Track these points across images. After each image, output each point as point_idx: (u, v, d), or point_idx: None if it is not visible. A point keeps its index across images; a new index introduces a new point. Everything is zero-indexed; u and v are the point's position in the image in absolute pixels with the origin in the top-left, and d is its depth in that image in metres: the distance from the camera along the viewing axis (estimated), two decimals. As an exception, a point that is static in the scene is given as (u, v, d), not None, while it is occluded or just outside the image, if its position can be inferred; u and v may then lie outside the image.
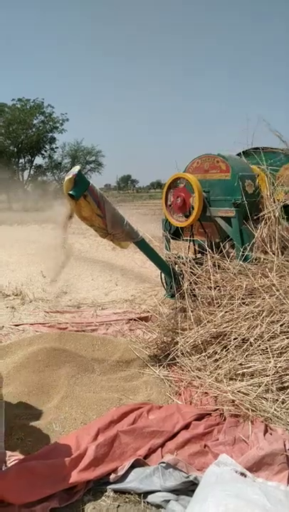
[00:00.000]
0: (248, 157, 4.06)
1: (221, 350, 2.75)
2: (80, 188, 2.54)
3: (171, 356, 2.84)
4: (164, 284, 3.81)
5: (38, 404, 2.27)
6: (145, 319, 3.75)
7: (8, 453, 1.83)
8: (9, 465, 1.74)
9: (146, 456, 1.88)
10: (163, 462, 1.80)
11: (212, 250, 3.27)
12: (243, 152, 4.10)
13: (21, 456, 1.83)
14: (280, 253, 3.25)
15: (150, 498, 1.69)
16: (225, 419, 2.13)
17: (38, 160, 32.43)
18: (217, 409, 2.22)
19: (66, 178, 2.53)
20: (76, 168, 2.55)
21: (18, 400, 2.28)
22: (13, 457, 1.82)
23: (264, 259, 3.15)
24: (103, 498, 1.70)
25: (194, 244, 3.84)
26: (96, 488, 1.73)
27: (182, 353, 2.85)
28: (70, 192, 2.54)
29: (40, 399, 2.31)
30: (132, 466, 1.81)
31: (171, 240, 3.98)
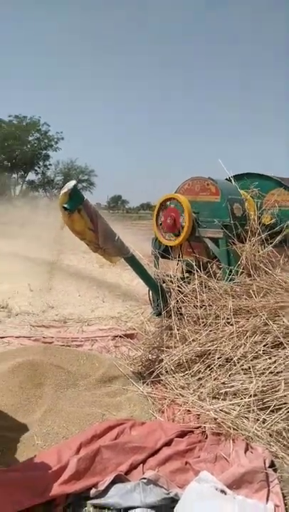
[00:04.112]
0: (236, 182, 4.21)
1: (205, 369, 2.77)
2: (75, 202, 2.59)
3: (155, 374, 2.85)
4: (151, 301, 3.85)
5: (20, 417, 2.25)
6: (131, 336, 3.76)
7: (-12, 465, 1.80)
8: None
9: (127, 472, 1.87)
10: (144, 478, 1.79)
11: (200, 270, 3.34)
12: (232, 176, 4.25)
13: (2, 468, 1.81)
14: (264, 275, 3.34)
15: (130, 513, 1.68)
16: (207, 437, 2.15)
17: (31, 176, 32.64)
18: (199, 426, 2.23)
19: (62, 192, 2.59)
20: (72, 183, 2.61)
21: (0, 411, 2.25)
22: (-8, 469, 1.79)
23: (250, 279, 3.23)
24: (83, 513, 1.68)
25: (182, 264, 3.91)
26: (76, 502, 1.71)
27: (166, 371, 2.86)
28: (65, 205, 2.59)
29: (23, 412, 2.29)
30: (113, 482, 1.80)
31: (160, 260, 4.05)
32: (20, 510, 1.59)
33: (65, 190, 2.59)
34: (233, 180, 4.23)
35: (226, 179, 4.25)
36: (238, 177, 4.31)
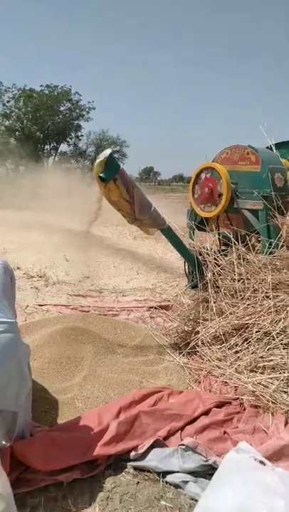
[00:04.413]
0: (279, 150, 4.00)
1: (242, 342, 2.75)
2: (111, 171, 2.55)
3: (191, 345, 2.85)
4: (187, 273, 3.81)
5: (61, 380, 2.34)
6: (166, 308, 3.77)
7: (33, 423, 1.89)
8: (34, 434, 1.80)
9: (165, 438, 1.91)
10: (182, 444, 1.83)
11: (237, 242, 3.25)
12: (273, 144, 4.04)
13: (45, 427, 1.90)
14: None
15: (169, 477, 1.73)
16: (245, 409, 2.15)
17: (63, 147, 32.66)
18: (237, 398, 2.24)
19: (97, 161, 2.54)
20: (108, 151, 2.56)
21: (42, 374, 2.35)
22: (37, 428, 1.88)
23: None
24: (123, 473, 1.74)
25: (219, 236, 3.82)
26: (116, 463, 1.78)
27: (202, 343, 2.86)
28: (101, 174, 2.55)
29: (63, 375, 2.37)
30: (152, 446, 1.84)
31: (196, 232, 3.97)
32: (63, 469, 1.67)
33: (101, 158, 2.54)
34: (274, 149, 4.02)
35: (267, 147, 4.05)
36: (280, 145, 4.09)
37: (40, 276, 4.76)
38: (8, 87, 28.36)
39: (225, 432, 1.95)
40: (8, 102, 28.63)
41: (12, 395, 1.60)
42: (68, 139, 31.89)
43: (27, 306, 3.68)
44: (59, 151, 32.06)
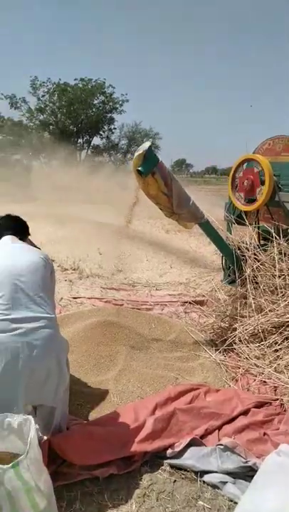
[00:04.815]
0: None
1: (283, 341, 2.64)
2: (149, 165, 2.50)
3: (228, 342, 2.78)
4: (225, 268, 3.71)
5: (96, 374, 2.34)
6: (200, 303, 3.70)
7: (70, 417, 1.90)
8: (71, 427, 1.80)
9: (202, 437, 1.87)
10: (221, 444, 1.77)
11: (279, 237, 3.12)
12: None
13: (81, 421, 1.90)
14: None
15: (207, 477, 1.68)
16: (285, 410, 2.06)
17: (96, 140, 32.75)
18: (277, 399, 2.15)
19: (136, 154, 2.50)
20: (147, 144, 2.50)
21: (77, 368, 2.35)
22: (73, 421, 1.89)
23: None
24: (159, 471, 1.71)
25: (259, 230, 3.69)
26: (153, 460, 1.75)
27: (240, 340, 2.78)
28: (139, 168, 2.51)
29: (98, 369, 2.37)
30: (189, 445, 1.80)
31: (235, 226, 3.84)
32: (99, 464, 1.66)
33: (140, 151, 2.49)
34: None
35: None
36: None
37: (74, 269, 4.81)
38: (43, 82, 28.73)
39: (265, 433, 1.88)
40: (43, 96, 29.02)
41: (51, 389, 1.60)
42: (101, 132, 31.95)
43: (61, 298, 3.72)
44: (92, 144, 32.20)
